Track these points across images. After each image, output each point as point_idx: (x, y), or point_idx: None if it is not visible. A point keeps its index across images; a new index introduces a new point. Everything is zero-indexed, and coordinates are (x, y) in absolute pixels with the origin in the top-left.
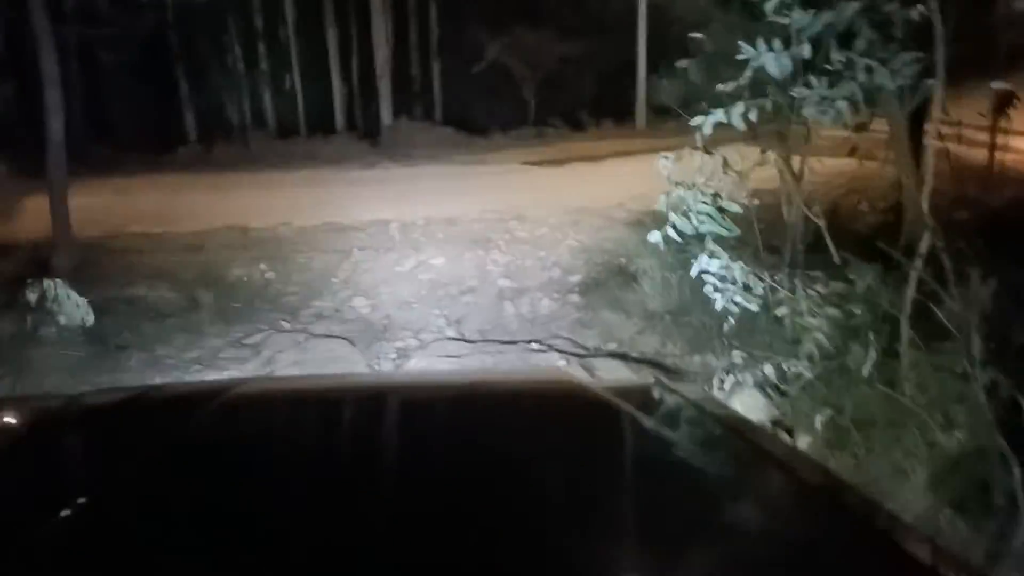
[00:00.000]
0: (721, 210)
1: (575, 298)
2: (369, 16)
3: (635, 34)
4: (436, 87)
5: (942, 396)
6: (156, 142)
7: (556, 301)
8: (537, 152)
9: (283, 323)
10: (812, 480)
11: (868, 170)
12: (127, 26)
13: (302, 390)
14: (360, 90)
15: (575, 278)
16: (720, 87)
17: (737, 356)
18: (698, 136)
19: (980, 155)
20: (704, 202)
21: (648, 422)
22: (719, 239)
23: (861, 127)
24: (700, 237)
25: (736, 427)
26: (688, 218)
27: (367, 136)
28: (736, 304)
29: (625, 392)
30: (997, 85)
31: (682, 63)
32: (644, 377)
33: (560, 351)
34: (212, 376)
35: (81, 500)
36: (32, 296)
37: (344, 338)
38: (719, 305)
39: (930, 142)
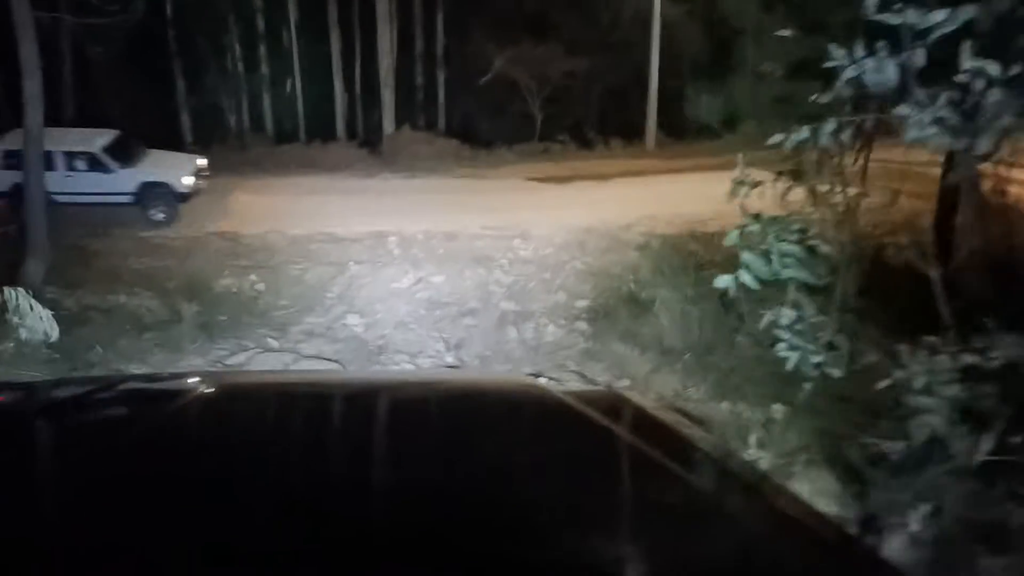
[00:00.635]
0: (811, 251)
1: (583, 326)
2: (374, 22)
3: (647, 51)
4: (440, 97)
5: None
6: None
7: (562, 328)
8: (542, 168)
9: (271, 340)
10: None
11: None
12: (122, 19)
13: (264, 385)
14: (362, 97)
15: (582, 303)
16: (815, 98)
17: (778, 410)
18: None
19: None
20: (789, 240)
21: (603, 426)
22: (803, 287)
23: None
24: (781, 283)
25: (691, 441)
26: (768, 259)
27: (367, 145)
28: (816, 366)
29: (587, 398)
30: None
31: (766, 66)
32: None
33: None
34: None
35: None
36: None
37: (335, 360)
38: (790, 365)
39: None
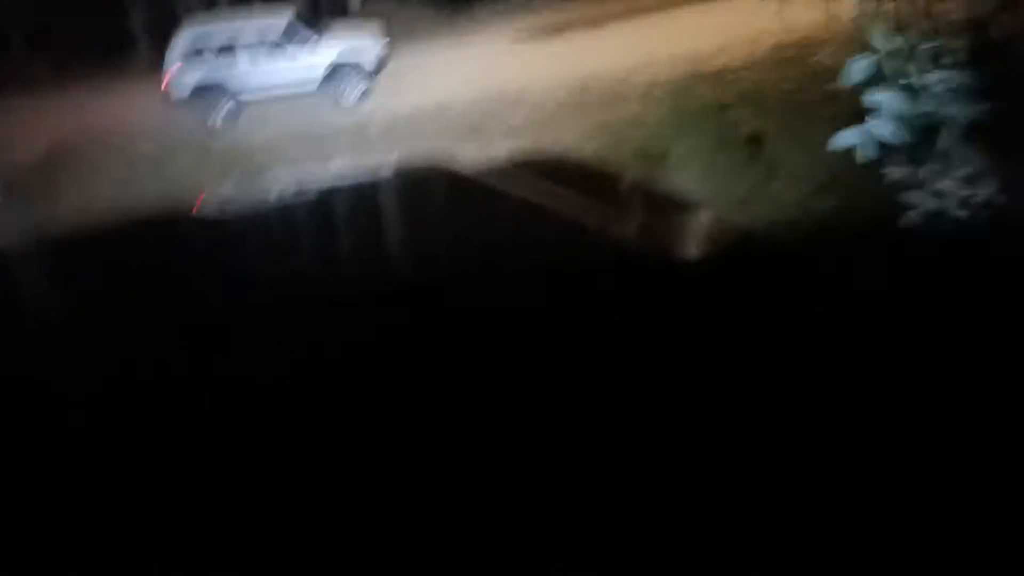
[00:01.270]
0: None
1: None
2: None
3: None
4: None
5: None
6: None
7: None
8: (526, 25)
9: None
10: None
11: None
12: None
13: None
14: None
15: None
16: None
17: None
18: None
19: None
20: (945, 65)
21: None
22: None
23: None
24: (930, 131)
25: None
26: (914, 96)
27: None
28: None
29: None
30: None
31: None
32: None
33: None
34: None
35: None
36: None
37: None
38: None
39: None
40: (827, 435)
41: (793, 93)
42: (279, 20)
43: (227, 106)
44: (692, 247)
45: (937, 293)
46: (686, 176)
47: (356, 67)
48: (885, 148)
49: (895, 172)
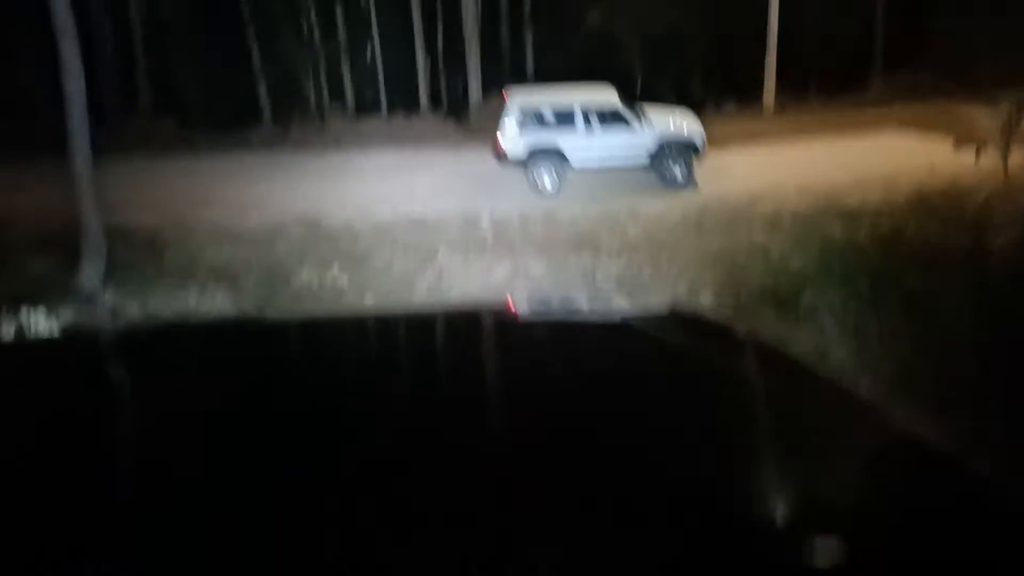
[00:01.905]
0: None
1: None
2: None
3: None
4: (529, 60)
5: None
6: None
7: None
8: None
9: None
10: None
11: None
12: None
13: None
14: (445, 62)
15: (705, 299)
16: None
17: None
18: None
19: None
20: None
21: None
22: None
23: None
24: None
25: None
26: None
27: (452, 114)
28: None
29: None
30: None
31: None
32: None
33: None
34: None
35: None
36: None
37: None
38: None
39: None
40: None
41: (941, 244)
42: (612, 93)
43: (556, 170)
44: None
45: None
46: (818, 333)
47: (688, 145)
48: None
49: None
